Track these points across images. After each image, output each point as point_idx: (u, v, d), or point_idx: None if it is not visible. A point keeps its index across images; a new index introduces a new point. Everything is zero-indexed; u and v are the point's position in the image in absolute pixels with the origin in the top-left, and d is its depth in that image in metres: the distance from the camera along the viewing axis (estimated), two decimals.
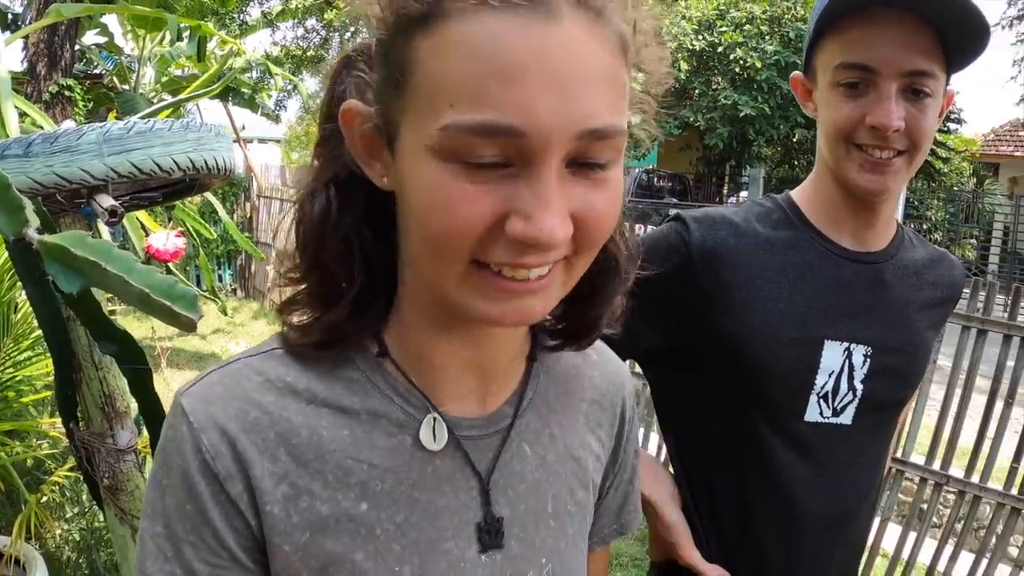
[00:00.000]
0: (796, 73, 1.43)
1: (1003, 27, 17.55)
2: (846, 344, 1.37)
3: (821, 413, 1.37)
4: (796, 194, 1.45)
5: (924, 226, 19.35)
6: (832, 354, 1.36)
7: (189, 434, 0.77)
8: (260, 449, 0.78)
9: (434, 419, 0.83)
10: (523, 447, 0.90)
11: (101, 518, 3.36)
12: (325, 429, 0.80)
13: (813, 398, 1.36)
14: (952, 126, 22.60)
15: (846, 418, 1.39)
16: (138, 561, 0.79)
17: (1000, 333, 3.90)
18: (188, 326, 1.31)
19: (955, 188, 22.17)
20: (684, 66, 18.49)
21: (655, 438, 5.02)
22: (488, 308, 0.71)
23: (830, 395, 1.37)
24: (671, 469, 1.51)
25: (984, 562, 4.03)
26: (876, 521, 4.13)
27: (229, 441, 0.77)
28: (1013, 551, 4.82)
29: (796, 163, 20.92)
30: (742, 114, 18.29)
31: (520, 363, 0.92)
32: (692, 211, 1.40)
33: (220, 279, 11.47)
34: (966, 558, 4.17)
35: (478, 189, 0.65)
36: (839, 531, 1.44)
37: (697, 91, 19.11)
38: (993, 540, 4.01)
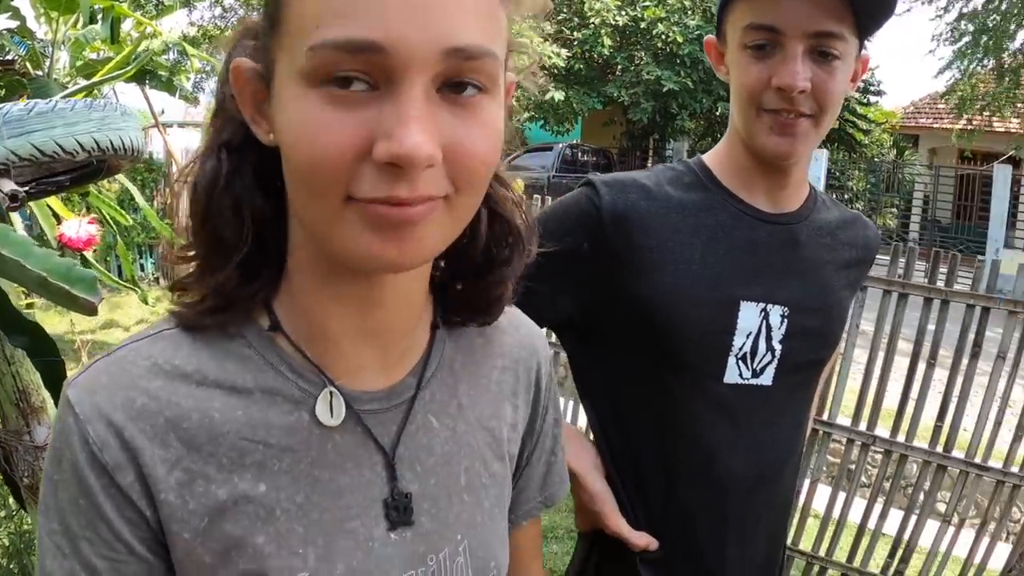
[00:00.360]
0: (709, 36, 1.42)
1: (923, 2, 17.86)
2: (762, 305, 1.37)
3: (740, 375, 1.37)
4: (708, 157, 1.44)
5: (845, 196, 19.69)
6: (749, 315, 1.36)
7: (76, 426, 0.74)
8: (149, 436, 0.75)
9: (331, 393, 0.81)
10: (429, 419, 0.88)
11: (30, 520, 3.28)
12: (217, 411, 0.77)
13: (731, 360, 1.36)
14: (873, 99, 23.14)
15: (766, 379, 1.40)
16: (39, 559, 0.77)
17: (921, 296, 3.98)
18: (88, 309, 1.27)
19: (876, 159, 22.66)
20: (607, 42, 18.62)
21: (575, 408, 5.05)
22: (368, 243, 0.67)
23: (748, 356, 1.37)
24: (591, 438, 1.50)
25: (913, 519, 4.14)
26: (806, 483, 4.24)
27: (116, 431, 0.74)
28: (940, 507, 4.95)
29: (719, 136, 21.10)
30: (665, 89, 18.49)
31: (423, 332, 0.89)
32: (602, 175, 1.38)
33: (142, 268, 11.22)
34: (895, 515, 4.29)
35: (344, 116, 0.64)
36: (763, 492, 1.44)
37: (620, 67, 19.28)
38: (921, 497, 4.12)
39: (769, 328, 1.38)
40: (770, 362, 1.39)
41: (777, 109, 1.28)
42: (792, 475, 1.54)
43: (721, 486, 1.40)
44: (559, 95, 18.77)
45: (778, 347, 1.39)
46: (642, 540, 1.39)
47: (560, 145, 19.80)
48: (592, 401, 1.47)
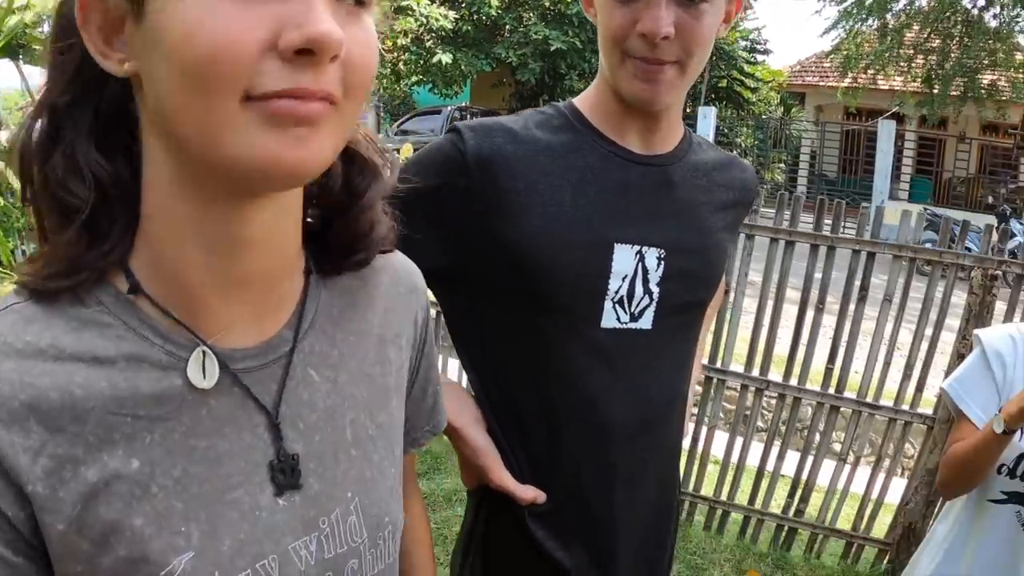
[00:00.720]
0: None
1: None
2: (637, 247, 1.33)
3: (618, 319, 1.34)
4: (579, 101, 1.40)
5: (734, 152, 20.06)
6: (623, 257, 1.32)
7: None
8: (6, 424, 0.66)
9: (203, 353, 0.75)
10: (309, 373, 0.82)
11: None
12: (78, 386, 0.69)
13: (608, 303, 1.33)
14: (760, 58, 23.53)
15: (645, 323, 1.37)
16: None
17: (807, 244, 4.09)
18: None
19: (763, 116, 23.11)
20: (495, 2, 18.51)
21: (454, 364, 5.08)
22: (265, 147, 0.63)
23: (626, 300, 1.34)
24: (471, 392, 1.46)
25: (810, 459, 4.29)
26: (703, 430, 4.35)
27: None
28: (836, 447, 5.14)
29: None
30: (553, 48, 18.49)
31: (297, 280, 0.84)
32: (468, 121, 1.34)
33: (23, 254, 10.79)
34: (792, 457, 4.44)
35: (246, 7, 0.61)
36: (648, 437, 1.42)
37: (508, 27, 19.17)
38: (816, 438, 4.26)
39: (645, 271, 1.35)
40: (648, 305, 1.36)
41: (641, 55, 1.24)
42: (679, 419, 1.52)
43: (604, 432, 1.37)
44: (447, 57, 18.62)
45: (656, 290, 1.36)
46: (528, 493, 1.36)
47: (449, 108, 19.73)
48: (468, 353, 1.43)
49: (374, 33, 0.70)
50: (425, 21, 18.66)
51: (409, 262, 1.01)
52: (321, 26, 0.61)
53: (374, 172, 0.84)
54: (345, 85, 0.67)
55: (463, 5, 19.26)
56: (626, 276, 1.33)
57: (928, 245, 4.04)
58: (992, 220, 13.99)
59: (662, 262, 1.36)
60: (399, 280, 0.97)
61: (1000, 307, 3.89)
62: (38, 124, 0.71)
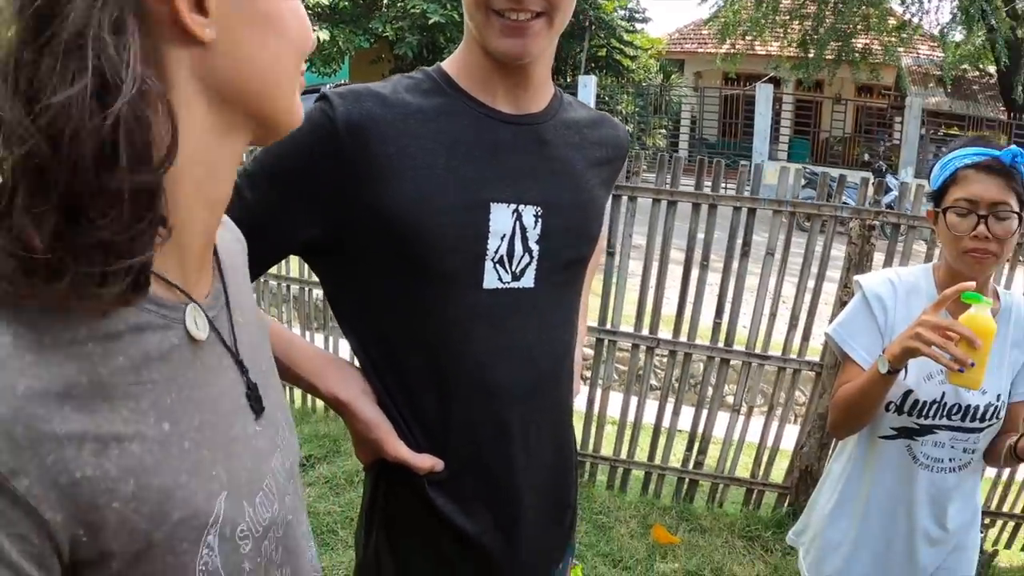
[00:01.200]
0: None
1: None
2: (514, 206, 1.34)
3: (500, 279, 1.34)
4: (447, 64, 1.39)
5: (616, 119, 20.35)
6: (500, 217, 1.32)
7: None
8: (44, 418, 0.64)
9: (195, 309, 0.81)
10: (237, 316, 0.91)
11: None
12: (99, 364, 0.69)
13: (488, 264, 1.33)
14: (639, 26, 23.76)
15: (527, 281, 1.37)
16: None
17: (689, 203, 4.19)
18: None
19: (643, 84, 23.41)
20: None
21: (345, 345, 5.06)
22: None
23: (506, 259, 1.34)
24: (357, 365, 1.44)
25: (704, 412, 4.41)
26: (598, 392, 4.42)
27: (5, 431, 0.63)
28: (729, 399, 5.29)
29: None
30: (431, 21, 18.30)
31: None
32: (337, 88, 1.33)
33: None
34: (687, 412, 4.56)
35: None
36: (540, 397, 1.44)
37: (386, 1, 18.91)
38: (709, 391, 4.38)
39: (524, 229, 1.35)
40: (529, 263, 1.36)
41: (506, 9, 1.24)
42: (568, 376, 1.52)
43: (494, 395, 1.37)
44: (324, 34, 18.22)
45: (535, 248, 1.37)
46: (426, 462, 1.36)
47: (327, 87, 19.17)
48: (351, 325, 1.41)
49: None
50: None
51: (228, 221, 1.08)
52: None
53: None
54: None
55: None
56: (504, 235, 1.33)
57: (807, 200, 4.18)
58: (869, 176, 14.56)
59: (539, 220, 1.37)
60: (234, 233, 1.07)
61: (879, 258, 4.04)
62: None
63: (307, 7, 18.77)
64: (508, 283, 1.35)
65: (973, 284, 1.77)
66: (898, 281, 2.10)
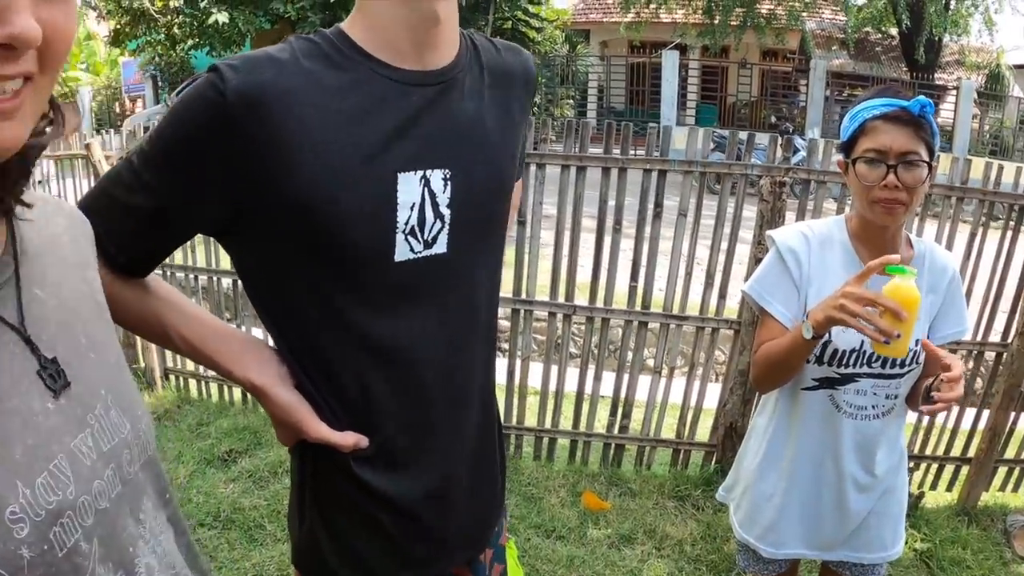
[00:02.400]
0: None
1: None
2: (421, 172, 1.28)
3: (412, 249, 1.29)
4: (347, 26, 1.32)
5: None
6: (408, 187, 1.27)
7: None
8: None
9: None
10: (35, 292, 0.88)
11: None
12: None
13: (399, 236, 1.27)
14: None
15: (440, 247, 1.32)
16: None
17: (598, 167, 4.17)
18: None
19: (550, 55, 23.44)
20: None
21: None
22: None
23: (417, 229, 1.29)
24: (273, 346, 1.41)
25: (626, 377, 4.43)
26: (518, 363, 4.41)
27: None
28: (649, 362, 5.33)
29: None
30: None
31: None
32: (230, 58, 1.23)
33: None
34: (609, 377, 4.57)
35: None
36: (461, 361, 1.41)
37: None
38: (629, 355, 4.40)
39: (433, 195, 1.30)
40: (441, 229, 1.32)
41: None
42: (491, 349, 1.51)
43: (413, 366, 1.34)
44: (223, 17, 17.73)
45: (447, 212, 1.32)
46: (349, 439, 1.33)
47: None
48: (265, 306, 1.36)
49: (76, 12, 0.77)
50: None
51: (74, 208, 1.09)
52: (19, 21, 0.68)
53: (57, 117, 0.87)
54: (43, 64, 0.74)
55: None
56: (414, 204, 1.28)
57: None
58: (777, 137, 14.77)
59: (448, 182, 1.31)
60: (75, 218, 1.05)
61: (790, 217, 4.07)
62: None
63: None
64: (420, 252, 1.30)
65: (898, 258, 1.78)
66: (811, 234, 2.11)
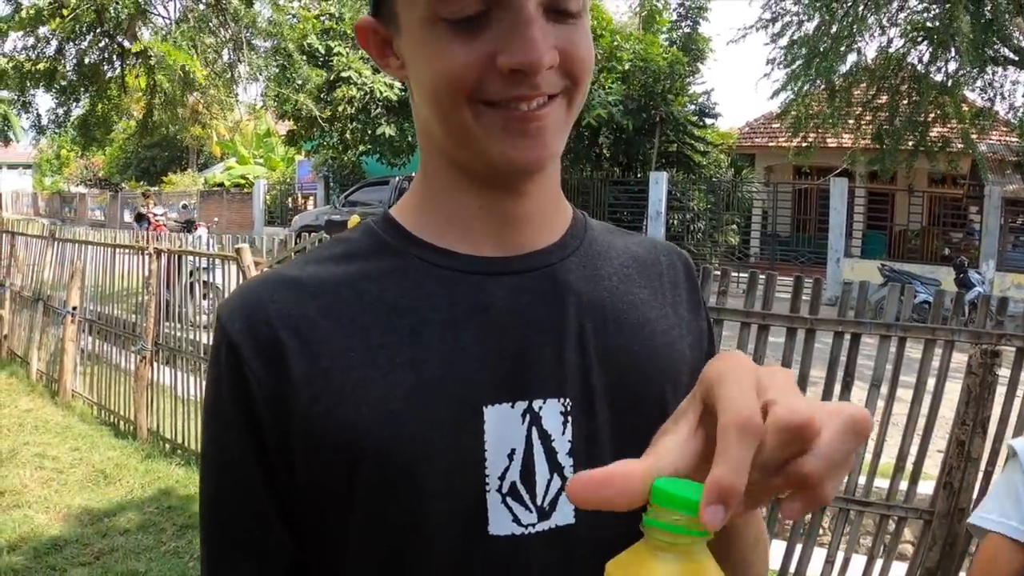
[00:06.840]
0: (363, 19, 0.93)
1: (757, 29, 18.42)
2: (524, 403, 0.87)
3: (517, 520, 0.86)
4: (397, 210, 0.98)
5: (688, 216, 20.22)
6: (503, 425, 0.86)
7: None
8: None
9: None
10: None
11: None
12: None
13: (494, 498, 0.86)
14: (709, 121, 23.91)
15: (564, 516, 0.88)
16: None
17: (782, 327, 3.74)
18: None
19: (714, 179, 23.25)
20: None
21: None
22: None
23: (522, 489, 0.87)
24: None
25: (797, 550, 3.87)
26: None
27: None
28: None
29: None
30: None
31: None
32: (230, 296, 0.92)
33: None
34: (779, 545, 4.01)
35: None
36: None
37: None
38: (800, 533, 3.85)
39: (546, 437, 0.88)
40: (560, 488, 0.88)
41: (508, 99, 0.83)
42: None
43: None
44: (391, 130, 18.63)
45: (568, 462, 0.88)
46: None
47: (396, 178, 19.90)
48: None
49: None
50: (369, 91, 18.65)
51: None
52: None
53: None
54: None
55: None
56: (514, 451, 0.86)
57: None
58: (950, 272, 14.04)
59: (569, 418, 0.89)
60: None
61: (1000, 392, 3.51)
62: None
63: (375, 101, 19.29)
64: (533, 525, 0.86)
65: None
66: None
